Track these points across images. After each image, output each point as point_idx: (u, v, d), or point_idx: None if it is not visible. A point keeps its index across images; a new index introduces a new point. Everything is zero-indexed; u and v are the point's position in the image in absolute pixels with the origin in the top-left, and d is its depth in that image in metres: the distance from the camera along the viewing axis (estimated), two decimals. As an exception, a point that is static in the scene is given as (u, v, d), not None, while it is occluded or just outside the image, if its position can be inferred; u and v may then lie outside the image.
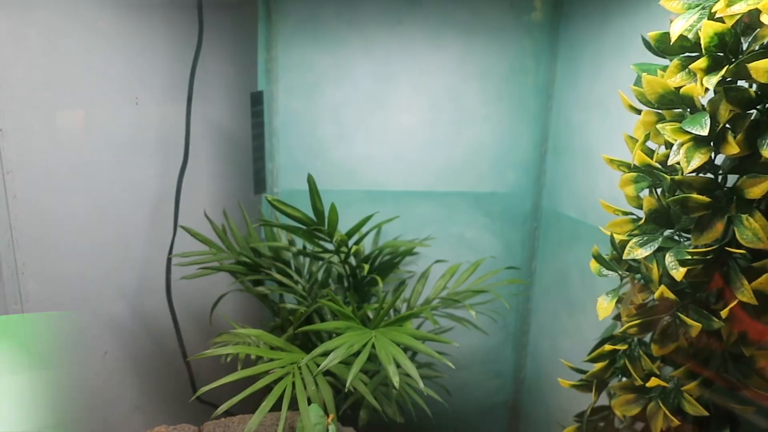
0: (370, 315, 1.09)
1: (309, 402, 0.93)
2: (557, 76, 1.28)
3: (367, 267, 1.11)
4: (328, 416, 0.94)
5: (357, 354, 0.91)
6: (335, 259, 1.17)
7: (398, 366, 0.90)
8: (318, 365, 0.94)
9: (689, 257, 0.82)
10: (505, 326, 1.45)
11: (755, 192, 0.77)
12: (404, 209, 1.34)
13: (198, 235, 1.19)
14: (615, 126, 1.14)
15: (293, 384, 0.93)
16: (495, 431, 1.54)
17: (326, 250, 1.15)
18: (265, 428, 0.96)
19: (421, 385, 0.89)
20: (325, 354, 0.92)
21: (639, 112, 0.90)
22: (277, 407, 0.88)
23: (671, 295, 0.84)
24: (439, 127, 1.33)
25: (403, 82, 1.31)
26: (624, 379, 0.96)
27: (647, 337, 0.96)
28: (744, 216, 0.78)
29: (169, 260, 1.21)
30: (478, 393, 1.50)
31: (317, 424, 0.91)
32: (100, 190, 1.14)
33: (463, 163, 1.34)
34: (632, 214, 0.95)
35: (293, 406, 1.11)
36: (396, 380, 0.87)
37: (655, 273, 0.87)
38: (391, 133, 1.34)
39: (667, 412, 0.87)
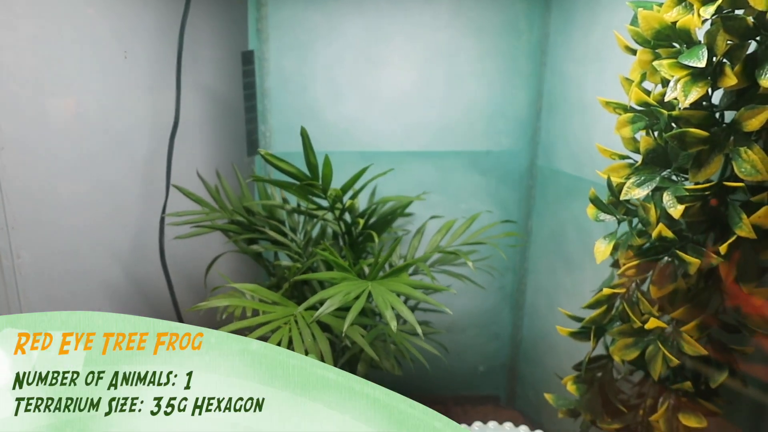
0: (366, 270, 1.08)
1: (306, 353, 0.92)
2: (551, 29, 1.27)
3: (362, 221, 1.10)
4: (325, 367, 0.93)
5: (354, 302, 0.90)
6: (329, 216, 1.16)
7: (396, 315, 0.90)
8: (314, 327, 0.93)
9: (687, 194, 0.81)
10: (502, 287, 1.45)
11: (753, 124, 0.76)
12: (399, 170, 1.33)
13: (191, 195, 1.17)
14: (610, 78, 1.13)
15: (290, 334, 0.92)
16: (493, 393, 1.54)
17: (320, 207, 1.14)
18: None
19: (419, 330, 0.88)
20: (322, 303, 0.91)
21: (635, 52, 0.89)
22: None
23: (669, 234, 0.83)
24: (433, 85, 1.32)
25: (395, 39, 1.29)
26: (622, 324, 0.95)
27: (645, 286, 0.95)
28: (742, 149, 0.78)
29: (162, 221, 1.19)
30: (476, 356, 1.49)
31: (314, 374, 0.90)
32: (90, 152, 1.12)
33: (457, 122, 1.33)
34: (629, 158, 0.94)
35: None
36: (393, 324, 0.86)
37: (653, 214, 0.86)
38: (384, 93, 1.33)
39: (666, 352, 0.86)
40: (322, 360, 0.94)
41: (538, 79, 1.31)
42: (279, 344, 0.90)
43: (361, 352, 1.09)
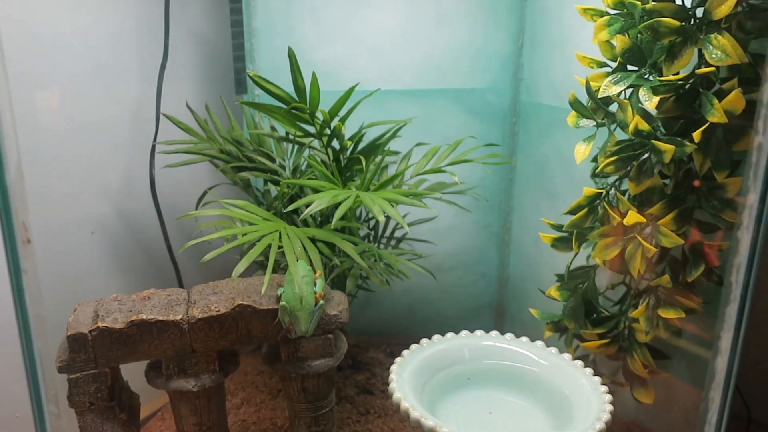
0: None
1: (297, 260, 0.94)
2: (531, -37, 1.30)
3: (349, 144, 1.12)
4: (315, 272, 0.95)
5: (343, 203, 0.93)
6: (317, 144, 1.18)
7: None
8: (302, 237, 0.95)
9: (661, 84, 0.84)
10: (488, 226, 1.47)
11: (723, 10, 0.80)
12: (386, 109, 1.35)
13: (181, 124, 1.19)
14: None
15: (280, 242, 0.94)
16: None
17: (308, 134, 1.16)
18: (254, 287, 0.97)
19: (407, 228, 0.91)
20: (309, 204, 0.93)
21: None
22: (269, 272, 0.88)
23: (645, 126, 0.86)
24: (418, 25, 1.34)
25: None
26: (603, 227, 0.98)
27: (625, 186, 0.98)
28: (713, 35, 0.81)
29: (152, 152, 1.21)
30: (463, 296, 1.51)
31: (305, 276, 0.92)
32: (80, 89, 1.13)
33: (442, 60, 1.36)
34: (607, 66, 0.97)
35: (281, 271, 1.12)
36: (381, 218, 0.88)
37: (630, 112, 0.89)
38: (370, 34, 1.35)
39: (644, 242, 0.89)
40: (312, 267, 0.96)
41: (520, 15, 1.34)
42: (269, 248, 0.92)
43: (350, 270, 1.11)
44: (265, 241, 0.92)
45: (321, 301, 0.93)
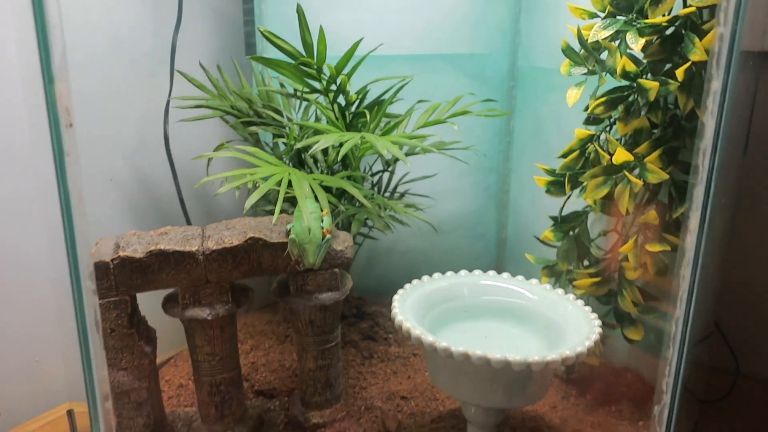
0: (359, 141, 1.16)
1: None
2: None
3: (354, 97, 1.17)
4: (322, 211, 1.01)
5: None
6: (324, 100, 1.23)
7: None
8: (309, 179, 1.01)
9: (646, 26, 0.90)
10: (487, 188, 1.53)
11: (703, -46, 0.85)
12: (389, 73, 1.41)
13: (194, 81, 1.25)
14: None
15: (289, 178, 1.00)
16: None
17: (315, 90, 1.21)
18: (265, 224, 1.03)
19: (409, 165, 0.97)
20: (315, 146, 0.99)
21: None
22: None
23: (632, 66, 0.92)
24: (420, -9, 1.40)
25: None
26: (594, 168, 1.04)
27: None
28: (694, -23, 0.87)
29: (167, 108, 1.27)
30: (463, 256, 1.57)
31: (313, 213, 0.98)
32: (95, 48, 1.19)
33: (443, 26, 1.41)
34: (597, 16, 1.03)
35: (289, 211, 1.17)
36: (384, 152, 0.94)
37: (618, 56, 0.95)
38: (375, 0, 1.41)
39: (630, 177, 0.95)
40: (319, 206, 1.01)
41: (518, -18, 1.40)
42: (279, 185, 0.98)
43: (355, 216, 1.17)
44: (275, 177, 0.98)
45: (328, 236, 0.99)
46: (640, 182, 0.94)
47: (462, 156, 1.33)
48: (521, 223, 1.51)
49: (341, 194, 1.24)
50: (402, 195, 1.35)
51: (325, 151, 1.24)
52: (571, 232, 1.12)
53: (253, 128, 1.24)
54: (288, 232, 0.99)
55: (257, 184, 1.00)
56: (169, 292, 1.03)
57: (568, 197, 1.09)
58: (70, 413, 1.20)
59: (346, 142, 0.98)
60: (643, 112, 0.97)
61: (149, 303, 1.04)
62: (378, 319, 1.37)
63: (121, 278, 0.95)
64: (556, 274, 1.16)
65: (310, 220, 0.95)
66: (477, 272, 1.09)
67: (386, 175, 1.34)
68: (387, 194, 1.36)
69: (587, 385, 1.25)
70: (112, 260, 0.94)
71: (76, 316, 0.67)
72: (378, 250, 1.53)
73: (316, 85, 1.20)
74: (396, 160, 1.30)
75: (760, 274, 1.33)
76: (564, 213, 1.13)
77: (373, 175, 1.33)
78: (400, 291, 1.01)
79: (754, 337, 1.35)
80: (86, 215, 0.56)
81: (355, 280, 1.47)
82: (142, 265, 0.95)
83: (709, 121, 0.52)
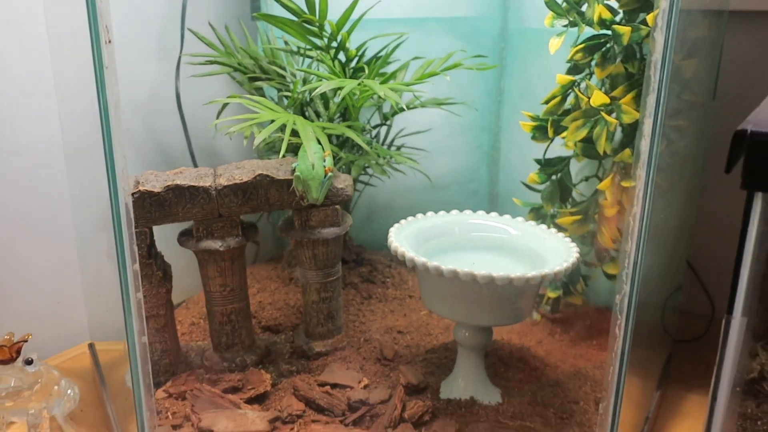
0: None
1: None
2: None
3: (354, 52, 1.26)
4: (324, 152, 1.10)
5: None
6: (326, 57, 1.32)
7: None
8: (312, 125, 1.10)
9: (621, -24, 0.99)
10: (479, 146, 1.62)
11: None
12: (384, 36, 1.49)
13: (204, 39, 1.34)
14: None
15: (294, 125, 1.08)
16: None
17: (317, 47, 1.30)
18: (272, 165, 1.11)
19: (403, 105, 1.05)
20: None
21: None
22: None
23: (608, 14, 1.00)
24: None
25: None
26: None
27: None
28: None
29: (178, 65, 1.36)
30: (457, 212, 1.66)
31: (316, 152, 1.07)
32: (112, 11, 1.28)
33: (437, -12, 1.50)
34: (578, -28, 1.11)
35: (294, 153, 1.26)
36: (382, 93, 1.03)
37: (596, 6, 1.04)
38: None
39: (607, 117, 1.04)
40: (322, 147, 1.10)
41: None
42: (283, 129, 1.07)
43: (354, 162, 1.26)
44: (281, 120, 1.07)
45: (330, 174, 1.07)
46: (615, 121, 1.03)
47: (456, 113, 1.42)
48: (512, 180, 1.60)
49: (342, 144, 1.32)
50: (398, 148, 1.44)
51: (326, 105, 1.33)
52: (554, 177, 1.21)
53: (258, 83, 1.33)
54: (293, 171, 1.08)
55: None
56: (184, 228, 1.12)
57: (552, 141, 1.18)
58: (91, 346, 1.29)
59: (346, 86, 1.06)
60: (618, 59, 1.05)
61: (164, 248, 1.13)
62: (377, 265, 1.46)
63: (140, 211, 1.03)
64: (541, 216, 1.25)
65: (314, 159, 1.04)
66: (467, 212, 1.18)
67: (384, 129, 1.43)
68: (385, 146, 1.45)
69: (571, 323, 1.34)
70: (132, 194, 1.02)
71: (116, 239, 0.73)
72: (376, 206, 1.62)
73: (318, 42, 1.28)
74: (393, 114, 1.38)
75: (731, 217, 1.42)
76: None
77: (372, 128, 1.42)
78: (396, 225, 1.10)
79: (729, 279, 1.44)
80: (122, 127, 0.64)
81: (354, 234, 1.56)
82: (160, 199, 1.04)
83: (659, 36, 0.60)
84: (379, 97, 1.35)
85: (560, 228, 1.20)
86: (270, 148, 1.35)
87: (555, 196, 1.20)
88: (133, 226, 0.74)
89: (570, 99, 1.14)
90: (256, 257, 1.62)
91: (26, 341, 1.02)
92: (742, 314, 0.56)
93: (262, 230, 1.65)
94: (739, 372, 0.59)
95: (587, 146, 1.12)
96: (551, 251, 1.04)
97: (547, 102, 1.14)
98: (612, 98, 1.06)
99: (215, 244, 1.08)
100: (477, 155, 1.63)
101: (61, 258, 1.32)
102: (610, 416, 0.79)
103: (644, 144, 0.65)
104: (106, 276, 1.00)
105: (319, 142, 1.08)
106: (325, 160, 1.09)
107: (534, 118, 1.18)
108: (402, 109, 1.37)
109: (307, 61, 1.37)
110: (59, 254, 1.32)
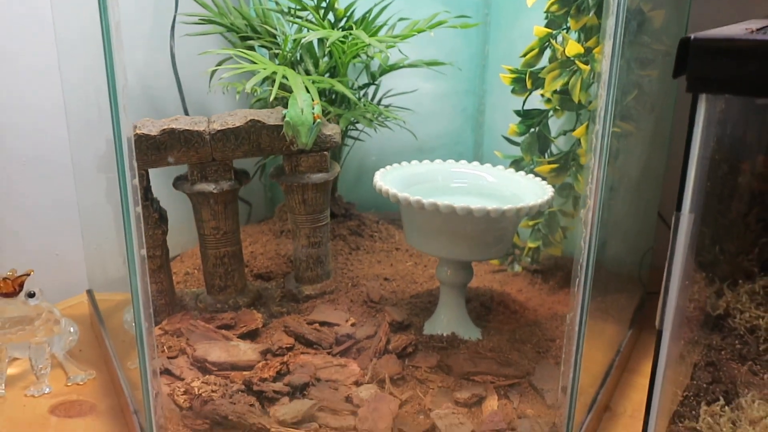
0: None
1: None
2: None
3: (342, 12, 1.31)
4: (313, 101, 1.15)
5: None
6: (316, 17, 1.37)
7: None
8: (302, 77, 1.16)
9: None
10: (464, 110, 1.68)
11: None
12: (370, 2, 1.54)
13: (198, 0, 1.39)
14: None
15: (284, 78, 1.14)
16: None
17: (306, 7, 1.35)
18: (264, 113, 1.17)
19: (389, 54, 1.11)
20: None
21: None
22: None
23: (581, -34, 1.06)
24: None
25: None
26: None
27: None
28: None
29: (173, 25, 1.40)
30: (443, 174, 1.72)
31: (305, 100, 1.12)
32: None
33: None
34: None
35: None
36: (368, 41, 1.08)
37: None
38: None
39: (581, 65, 1.09)
40: (311, 96, 1.15)
41: None
42: (273, 79, 1.12)
43: (342, 116, 1.32)
44: (272, 68, 1.12)
45: (318, 120, 1.13)
46: (587, 68, 1.09)
47: (442, 77, 1.47)
48: (495, 142, 1.65)
49: (331, 102, 1.38)
50: (387, 107, 1.49)
51: (316, 64, 1.38)
52: (533, 129, 1.27)
53: (250, 42, 1.38)
54: (284, 117, 1.13)
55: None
56: (179, 174, 1.17)
57: (530, 92, 1.23)
58: (90, 292, 1.34)
59: (333, 35, 1.12)
60: (592, 11, 1.11)
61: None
62: (365, 220, 1.51)
63: (138, 154, 1.08)
64: (521, 168, 1.31)
65: (303, 105, 1.09)
66: (450, 161, 1.24)
67: (372, 89, 1.48)
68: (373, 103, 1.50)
69: (551, 273, 1.40)
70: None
71: (120, 182, 0.77)
72: (364, 168, 1.67)
73: (309, 2, 1.34)
74: (382, 72, 1.44)
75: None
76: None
77: (360, 88, 1.47)
78: (381, 170, 1.16)
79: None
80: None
81: (344, 194, 1.62)
82: (156, 142, 1.09)
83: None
84: (367, 55, 1.41)
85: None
86: (263, 106, 1.41)
87: (534, 147, 1.26)
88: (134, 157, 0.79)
89: (548, 54, 1.19)
90: (249, 218, 1.68)
91: (29, 275, 1.07)
92: (690, 210, 0.62)
93: (255, 192, 1.71)
94: (687, 268, 0.64)
95: (564, 98, 1.18)
96: (528, 192, 1.10)
97: (525, 55, 1.20)
98: (587, 49, 1.12)
99: (209, 187, 1.13)
100: (462, 119, 1.69)
101: (58, 209, 1.37)
102: (576, 331, 0.85)
103: (605, 64, 0.70)
104: (105, 223, 1.06)
105: (308, 92, 1.14)
106: (314, 108, 1.14)
107: (513, 71, 1.24)
108: (390, 68, 1.43)
109: (298, 18, 1.43)
110: (59, 204, 1.37)
